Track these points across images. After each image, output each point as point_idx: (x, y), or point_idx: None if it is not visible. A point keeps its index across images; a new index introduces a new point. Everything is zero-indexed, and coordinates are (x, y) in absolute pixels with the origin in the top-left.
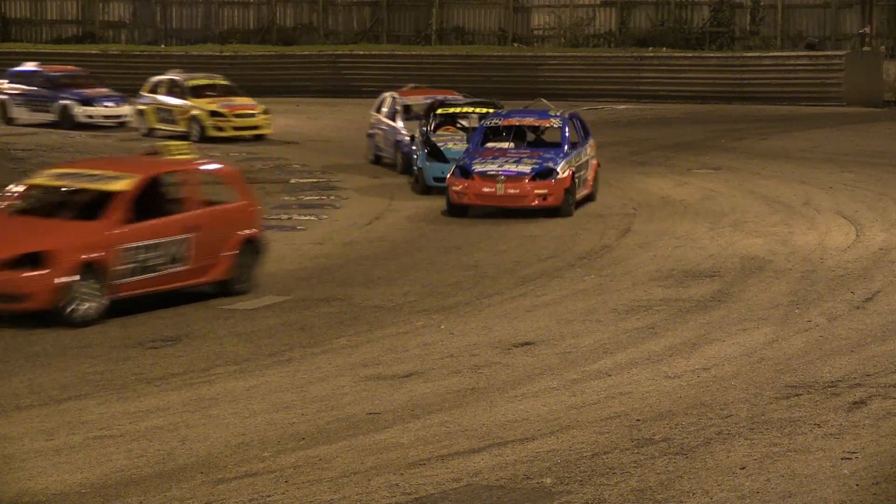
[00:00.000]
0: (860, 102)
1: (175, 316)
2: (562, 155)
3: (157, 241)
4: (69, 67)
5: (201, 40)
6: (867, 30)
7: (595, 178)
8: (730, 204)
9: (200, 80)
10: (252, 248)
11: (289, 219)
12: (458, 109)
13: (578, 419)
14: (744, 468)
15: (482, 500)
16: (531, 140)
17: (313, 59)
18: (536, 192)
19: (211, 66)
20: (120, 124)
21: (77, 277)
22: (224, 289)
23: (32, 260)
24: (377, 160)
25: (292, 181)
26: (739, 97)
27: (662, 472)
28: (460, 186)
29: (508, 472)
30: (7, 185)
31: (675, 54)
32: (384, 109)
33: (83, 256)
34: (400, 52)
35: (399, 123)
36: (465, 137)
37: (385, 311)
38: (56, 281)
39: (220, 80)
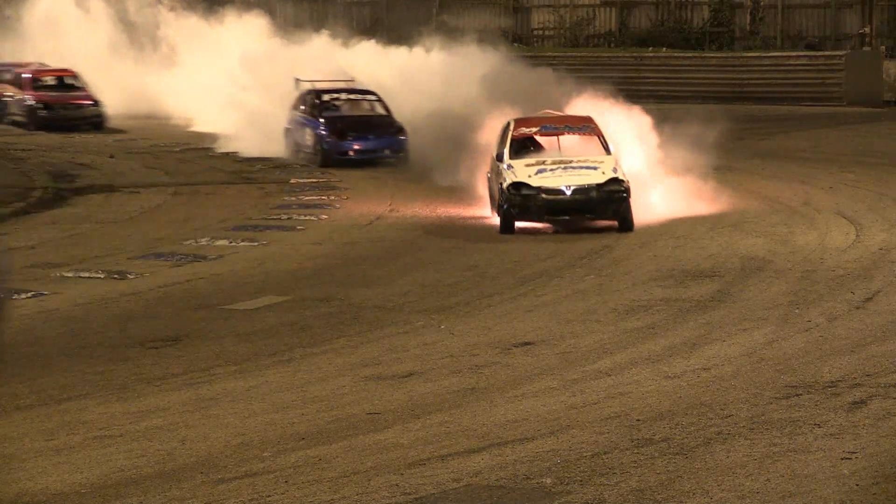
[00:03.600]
0: (860, 102)
1: (175, 316)
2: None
3: None
4: None
5: None
6: (867, 30)
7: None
8: (730, 204)
9: None
10: None
11: (289, 219)
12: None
13: (578, 419)
14: (744, 468)
15: (482, 500)
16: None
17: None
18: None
19: None
20: None
21: None
22: None
23: None
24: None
25: (292, 181)
26: (739, 97)
27: (662, 472)
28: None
29: (508, 472)
30: (6, 185)
31: (675, 54)
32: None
33: None
34: None
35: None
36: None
37: (385, 311)
38: None
39: None
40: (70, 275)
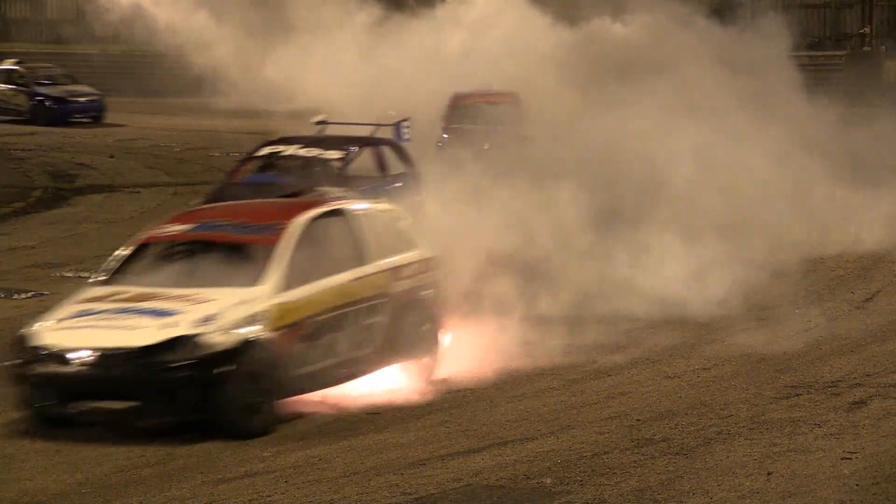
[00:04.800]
0: (860, 102)
1: None
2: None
3: None
4: None
5: None
6: (867, 30)
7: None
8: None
9: None
10: None
11: None
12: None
13: (578, 419)
14: (744, 468)
15: (482, 500)
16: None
17: None
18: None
19: None
20: None
21: None
22: None
23: None
24: None
25: None
26: None
27: (662, 472)
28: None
29: (508, 472)
30: (6, 185)
31: None
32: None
33: None
34: None
35: None
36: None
37: None
38: None
39: None
40: (70, 275)
